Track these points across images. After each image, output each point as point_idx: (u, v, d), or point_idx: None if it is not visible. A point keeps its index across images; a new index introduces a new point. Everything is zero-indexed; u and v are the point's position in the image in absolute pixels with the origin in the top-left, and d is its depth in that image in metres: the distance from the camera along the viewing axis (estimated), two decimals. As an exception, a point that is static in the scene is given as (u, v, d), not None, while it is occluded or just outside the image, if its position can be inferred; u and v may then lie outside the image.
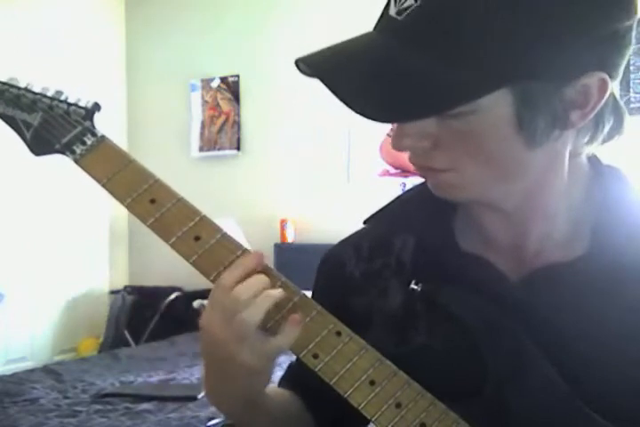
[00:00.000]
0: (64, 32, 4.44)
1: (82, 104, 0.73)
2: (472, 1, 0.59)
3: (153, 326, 4.27)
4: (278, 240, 4.23)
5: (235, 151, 4.54)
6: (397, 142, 0.67)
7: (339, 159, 4.17)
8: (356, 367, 0.69)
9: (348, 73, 0.62)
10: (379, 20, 0.66)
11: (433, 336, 0.74)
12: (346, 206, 4.02)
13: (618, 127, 0.71)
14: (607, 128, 0.70)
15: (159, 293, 4.44)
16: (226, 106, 4.58)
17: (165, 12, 4.78)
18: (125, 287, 4.68)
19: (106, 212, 4.67)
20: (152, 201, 0.70)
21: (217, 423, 2.19)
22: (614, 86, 0.66)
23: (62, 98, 0.73)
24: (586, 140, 0.70)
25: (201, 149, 4.66)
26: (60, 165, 0.86)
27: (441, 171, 0.68)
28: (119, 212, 4.49)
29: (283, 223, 4.24)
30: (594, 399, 0.67)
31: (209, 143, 4.64)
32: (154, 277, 4.63)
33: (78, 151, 0.72)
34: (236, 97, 4.54)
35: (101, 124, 0.74)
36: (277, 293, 0.68)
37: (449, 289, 0.72)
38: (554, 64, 0.60)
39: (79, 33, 4.57)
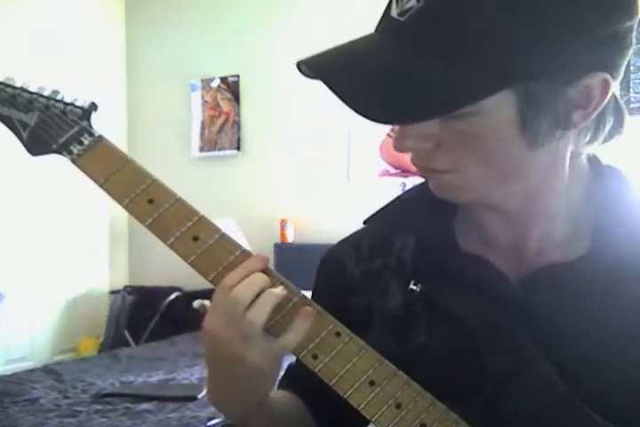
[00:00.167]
0: (64, 32, 4.44)
1: (79, 104, 0.73)
2: (475, 2, 0.59)
3: (153, 326, 4.27)
4: (278, 240, 4.23)
5: (235, 151, 4.54)
6: (399, 144, 0.67)
7: (339, 159, 4.17)
8: (355, 368, 0.68)
9: (352, 75, 0.62)
10: (380, 22, 0.66)
11: (433, 336, 0.74)
12: (346, 206, 4.02)
13: (618, 127, 0.71)
14: (608, 128, 0.69)
15: (159, 293, 4.44)
16: (226, 106, 4.58)
17: (165, 12, 4.78)
18: (125, 287, 4.68)
19: (106, 212, 4.67)
20: (150, 201, 0.70)
21: (217, 423, 2.19)
22: (615, 86, 0.66)
23: (59, 97, 0.73)
24: (586, 140, 0.70)
25: (201, 149, 4.66)
26: (59, 164, 0.86)
27: (443, 172, 0.68)
28: (119, 212, 4.48)
29: (283, 223, 4.24)
30: (594, 399, 0.67)
31: (209, 143, 4.64)
32: (154, 277, 4.63)
33: (75, 151, 0.71)
34: (236, 97, 4.54)
35: (101, 124, 0.74)
36: (280, 291, 0.68)
37: (449, 289, 0.72)
38: (556, 65, 0.60)
39: (79, 33, 4.57)
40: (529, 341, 0.69)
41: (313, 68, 0.64)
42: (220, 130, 4.60)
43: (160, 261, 3.92)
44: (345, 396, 0.68)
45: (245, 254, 0.69)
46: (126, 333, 4.35)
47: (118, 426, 2.20)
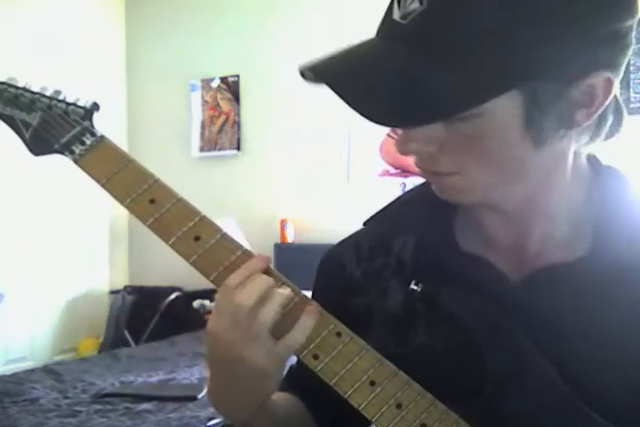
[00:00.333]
0: (64, 32, 4.44)
1: (81, 104, 0.73)
2: (478, 4, 0.59)
3: (153, 326, 4.27)
4: (278, 240, 4.23)
5: (235, 151, 4.54)
6: (403, 147, 0.67)
7: (339, 159, 4.17)
8: (356, 368, 0.68)
9: (357, 79, 0.62)
10: (381, 25, 0.66)
11: (433, 336, 0.74)
12: (346, 206, 4.02)
13: (617, 126, 0.71)
14: (608, 127, 0.70)
15: (159, 293, 4.44)
16: (226, 106, 4.58)
17: (165, 12, 4.78)
18: (125, 287, 4.68)
19: (106, 212, 4.67)
20: (152, 201, 0.70)
21: (217, 423, 2.19)
22: (616, 85, 0.66)
23: (61, 97, 0.73)
24: (587, 138, 0.70)
25: (201, 150, 4.66)
26: (59, 164, 0.86)
27: (447, 174, 0.68)
28: (119, 212, 4.49)
29: (283, 223, 4.24)
30: (593, 400, 0.67)
31: (209, 143, 4.64)
32: (154, 277, 4.63)
33: (77, 151, 0.71)
34: (236, 97, 4.54)
35: (101, 124, 0.74)
36: (287, 291, 0.68)
37: (449, 289, 0.72)
38: (560, 64, 0.60)
39: (79, 33, 4.57)
40: (529, 341, 0.69)
41: (318, 73, 0.63)
42: (220, 130, 4.60)
43: (160, 261, 3.92)
44: (345, 396, 0.68)
45: (247, 254, 0.69)
46: (126, 333, 4.35)
47: (118, 426, 2.20)
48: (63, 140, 0.72)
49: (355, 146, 4.11)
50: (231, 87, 4.56)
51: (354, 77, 0.62)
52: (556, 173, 0.70)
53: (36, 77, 0.79)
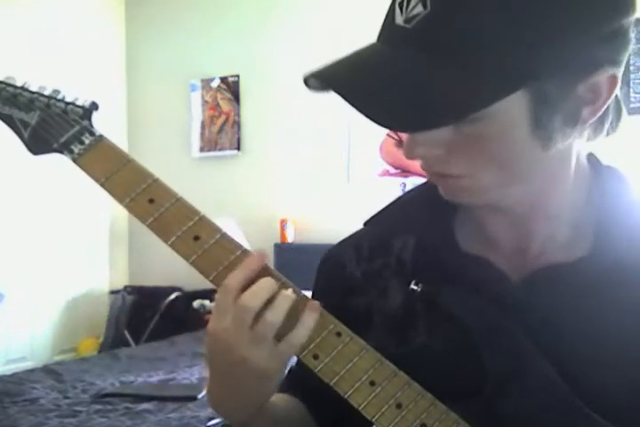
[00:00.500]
0: (64, 32, 4.44)
1: (79, 103, 0.72)
2: (482, 5, 0.59)
3: (153, 326, 4.27)
4: (278, 240, 4.23)
5: (235, 151, 4.54)
6: (410, 152, 0.67)
7: (339, 159, 4.17)
8: (356, 368, 0.68)
9: (367, 86, 0.62)
10: (382, 30, 0.65)
11: (433, 336, 0.74)
12: (346, 206, 4.03)
13: (616, 123, 0.72)
14: (609, 123, 0.70)
15: (159, 293, 4.44)
16: (226, 106, 4.58)
17: (165, 12, 4.78)
18: (125, 287, 4.69)
19: (106, 212, 4.67)
20: (151, 201, 0.70)
21: (217, 423, 2.19)
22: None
23: (59, 97, 0.72)
24: (588, 136, 0.70)
25: (201, 150, 4.66)
26: (59, 164, 0.86)
27: (454, 176, 0.67)
28: (119, 212, 4.49)
29: (283, 223, 4.24)
30: (593, 400, 0.67)
31: (209, 143, 4.64)
32: (154, 277, 4.63)
33: (76, 150, 0.71)
34: (236, 97, 4.54)
35: (101, 124, 0.73)
36: (292, 293, 0.67)
37: (449, 289, 0.72)
38: (566, 62, 0.60)
39: (79, 33, 4.57)
40: (529, 341, 0.69)
41: (325, 80, 0.63)
42: (220, 130, 4.60)
43: (160, 261, 3.92)
44: (345, 396, 0.68)
45: (246, 254, 0.69)
46: (126, 333, 4.35)
47: (118, 426, 2.20)
48: (62, 140, 0.71)
49: (355, 146, 4.12)
50: (231, 87, 4.56)
51: (362, 84, 0.62)
52: (560, 173, 0.70)
53: (35, 77, 0.79)
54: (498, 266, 0.73)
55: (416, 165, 0.73)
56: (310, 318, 0.67)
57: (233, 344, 0.66)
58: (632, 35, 0.66)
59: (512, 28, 0.58)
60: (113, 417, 2.29)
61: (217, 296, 0.68)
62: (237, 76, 4.53)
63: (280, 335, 0.67)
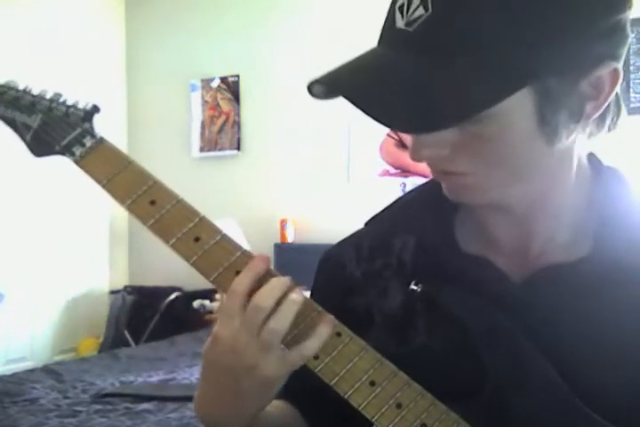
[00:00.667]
0: (64, 32, 4.44)
1: (81, 106, 0.73)
2: (483, 5, 0.59)
3: (153, 326, 4.27)
4: (278, 240, 4.23)
5: (235, 151, 4.54)
6: (416, 154, 0.67)
7: (339, 159, 4.17)
8: (356, 368, 0.68)
9: (373, 90, 0.62)
10: (383, 34, 0.65)
11: (433, 337, 0.74)
12: (346, 206, 4.03)
13: (616, 119, 0.72)
14: (610, 119, 0.70)
15: (159, 293, 4.44)
16: (226, 106, 4.58)
17: (165, 12, 4.78)
18: (125, 287, 4.68)
19: (106, 212, 4.67)
20: (152, 202, 0.70)
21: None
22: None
23: (61, 100, 0.73)
24: (591, 132, 0.70)
25: (201, 150, 4.66)
26: (60, 165, 0.86)
27: (459, 174, 0.68)
28: (119, 212, 4.49)
29: (283, 223, 4.25)
30: (593, 400, 0.67)
31: (209, 143, 4.64)
32: (154, 277, 4.63)
33: (78, 153, 0.71)
34: (236, 97, 4.54)
35: (101, 124, 0.74)
36: (300, 297, 0.67)
37: (449, 289, 0.72)
38: (569, 58, 0.61)
39: (79, 33, 4.57)
40: (529, 341, 0.69)
41: (330, 85, 0.63)
42: (220, 130, 4.60)
43: (160, 261, 3.93)
44: (345, 396, 0.68)
45: (246, 255, 0.69)
46: (126, 333, 4.35)
47: (118, 426, 2.20)
48: (64, 142, 0.72)
49: (355, 146, 4.12)
50: (231, 87, 4.56)
51: (368, 88, 0.62)
52: (560, 173, 0.71)
53: (36, 77, 0.79)
54: (498, 266, 0.73)
55: (416, 165, 0.73)
56: (324, 332, 0.67)
57: (241, 351, 0.65)
58: (630, 31, 0.66)
59: (512, 28, 0.59)
60: (113, 417, 2.29)
61: (223, 301, 0.67)
62: (237, 76, 4.54)
63: (290, 343, 0.67)
